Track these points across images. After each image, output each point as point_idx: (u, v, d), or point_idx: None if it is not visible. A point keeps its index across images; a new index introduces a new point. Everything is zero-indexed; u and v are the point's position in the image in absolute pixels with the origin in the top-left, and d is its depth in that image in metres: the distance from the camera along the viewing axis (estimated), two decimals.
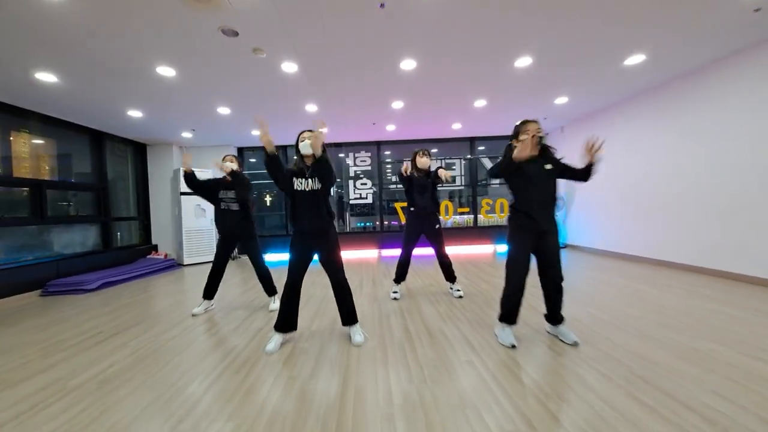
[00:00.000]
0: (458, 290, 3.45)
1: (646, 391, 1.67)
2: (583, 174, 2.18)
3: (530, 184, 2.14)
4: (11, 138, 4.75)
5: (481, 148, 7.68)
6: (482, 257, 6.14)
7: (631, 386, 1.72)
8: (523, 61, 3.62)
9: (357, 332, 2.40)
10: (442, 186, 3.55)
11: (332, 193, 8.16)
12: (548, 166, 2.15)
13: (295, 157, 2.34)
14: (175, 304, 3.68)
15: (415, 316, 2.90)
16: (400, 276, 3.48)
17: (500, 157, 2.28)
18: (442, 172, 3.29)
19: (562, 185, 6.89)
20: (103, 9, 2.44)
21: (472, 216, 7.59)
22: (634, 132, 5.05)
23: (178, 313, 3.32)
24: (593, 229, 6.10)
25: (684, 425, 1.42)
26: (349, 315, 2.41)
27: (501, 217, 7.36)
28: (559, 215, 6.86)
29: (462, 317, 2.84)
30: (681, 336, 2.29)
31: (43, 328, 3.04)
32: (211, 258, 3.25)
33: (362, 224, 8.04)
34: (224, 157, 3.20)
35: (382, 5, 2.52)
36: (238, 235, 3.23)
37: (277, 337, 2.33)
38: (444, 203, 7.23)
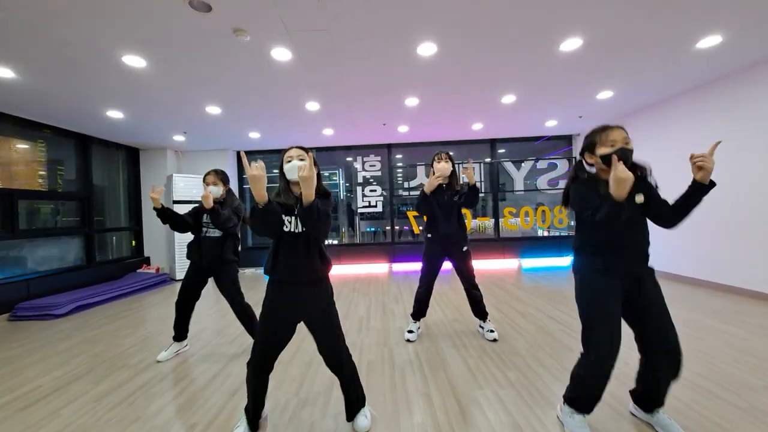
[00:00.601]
0: (491, 331, 2.73)
1: None
2: (676, 213, 1.45)
3: (614, 224, 1.39)
4: None
5: (502, 150, 6.94)
6: (507, 274, 5.39)
7: None
8: (572, 44, 2.90)
9: (362, 414, 1.70)
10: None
11: (342, 199, 7.59)
12: (640, 199, 1.38)
13: (279, 183, 1.58)
14: (144, 338, 3.08)
15: (439, 374, 2.21)
16: (419, 313, 2.80)
17: (567, 181, 1.62)
18: (468, 174, 2.64)
19: None
20: None
21: (492, 222, 6.84)
22: (690, 132, 4.24)
23: (144, 353, 2.71)
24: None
25: None
26: (358, 403, 1.70)
27: (525, 227, 6.59)
28: None
29: (501, 377, 2.13)
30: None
31: None
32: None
33: (372, 229, 7.38)
34: (204, 177, 2.53)
35: None
36: (211, 265, 2.55)
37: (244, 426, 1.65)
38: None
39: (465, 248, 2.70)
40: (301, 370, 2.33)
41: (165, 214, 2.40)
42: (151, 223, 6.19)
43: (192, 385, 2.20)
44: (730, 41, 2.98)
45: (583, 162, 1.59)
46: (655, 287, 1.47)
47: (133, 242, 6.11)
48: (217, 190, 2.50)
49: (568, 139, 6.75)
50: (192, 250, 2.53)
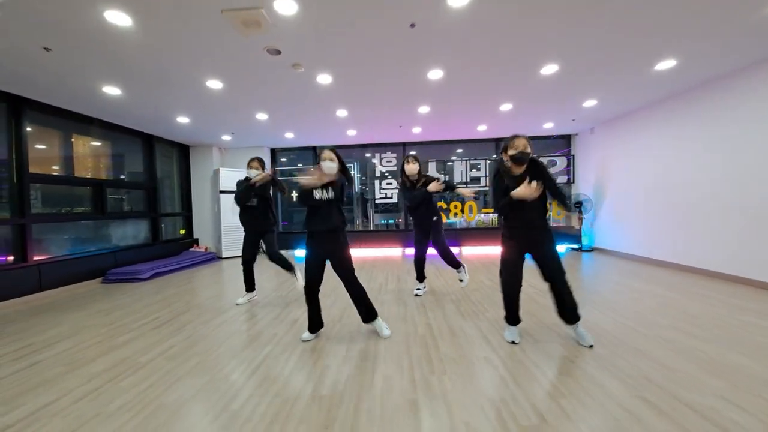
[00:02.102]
0: (461, 280, 3.68)
1: (662, 397, 1.75)
2: (559, 201, 2.32)
3: (518, 208, 2.26)
4: (72, 140, 5.35)
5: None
6: None
7: (648, 392, 1.81)
8: (549, 69, 3.68)
9: (382, 327, 2.62)
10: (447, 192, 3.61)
11: (357, 191, 8.53)
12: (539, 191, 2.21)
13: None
14: (218, 294, 4.07)
15: (437, 313, 3.09)
16: (420, 273, 3.69)
17: (492, 176, 2.44)
18: (433, 186, 3.34)
19: (590, 185, 6.79)
20: (164, 32, 2.77)
21: (497, 216, 7.62)
22: (668, 134, 4.93)
23: (222, 302, 3.68)
24: (622, 233, 5.99)
25: (692, 429, 1.53)
26: (368, 312, 2.62)
27: None
28: (585, 217, 6.78)
29: (482, 315, 2.99)
30: (707, 346, 2.33)
31: (107, 312, 3.48)
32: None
33: (385, 221, 8.27)
34: (249, 164, 3.52)
35: (412, 25, 2.69)
36: (259, 231, 3.55)
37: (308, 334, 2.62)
38: (468, 204, 7.33)
39: (435, 218, 3.51)
40: (340, 309, 3.25)
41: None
42: (199, 209, 7.25)
43: (267, 316, 3.16)
44: (683, 63, 3.68)
45: (503, 160, 2.35)
46: (548, 243, 2.34)
47: (182, 231, 7.19)
48: (256, 173, 3.46)
49: (567, 139, 7.44)
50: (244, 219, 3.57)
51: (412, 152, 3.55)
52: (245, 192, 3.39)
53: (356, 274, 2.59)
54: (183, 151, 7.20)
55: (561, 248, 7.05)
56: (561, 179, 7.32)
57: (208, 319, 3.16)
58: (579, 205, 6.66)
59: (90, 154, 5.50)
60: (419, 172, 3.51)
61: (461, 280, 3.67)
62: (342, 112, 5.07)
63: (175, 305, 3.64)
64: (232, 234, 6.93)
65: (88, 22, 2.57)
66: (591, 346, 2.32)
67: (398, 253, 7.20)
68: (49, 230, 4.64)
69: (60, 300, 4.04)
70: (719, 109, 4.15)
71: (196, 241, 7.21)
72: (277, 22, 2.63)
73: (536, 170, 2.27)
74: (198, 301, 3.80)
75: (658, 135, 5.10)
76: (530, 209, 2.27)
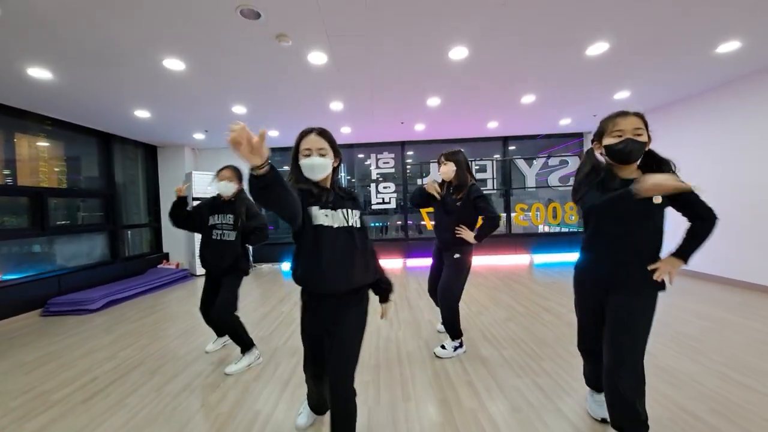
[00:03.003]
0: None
1: None
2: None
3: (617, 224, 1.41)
4: (15, 140, 4.37)
5: (512, 147, 7.02)
6: (520, 269, 5.52)
7: None
8: (598, 48, 2.99)
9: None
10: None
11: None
12: (657, 199, 1.32)
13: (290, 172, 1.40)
14: (186, 330, 3.20)
15: (477, 365, 2.34)
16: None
17: (577, 167, 1.57)
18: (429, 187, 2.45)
19: None
20: None
21: (504, 219, 6.96)
22: (701, 132, 4.35)
23: (190, 346, 2.83)
24: None
25: None
26: None
27: (536, 223, 6.70)
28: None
29: (536, 367, 2.26)
30: None
31: (29, 368, 2.57)
32: None
33: (376, 224, 7.48)
34: (219, 172, 2.43)
35: None
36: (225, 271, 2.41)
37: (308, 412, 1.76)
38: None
39: (456, 256, 2.45)
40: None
41: (180, 206, 2.38)
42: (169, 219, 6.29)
43: (246, 374, 2.32)
44: (748, 46, 3.07)
45: (593, 151, 1.52)
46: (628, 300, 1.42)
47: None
48: (231, 187, 2.39)
49: (578, 135, 6.85)
50: (206, 254, 2.44)
51: (451, 149, 2.55)
52: (173, 209, 2.39)
53: None
54: (150, 153, 6.23)
55: (576, 256, 6.44)
56: (572, 180, 6.71)
57: (165, 380, 2.30)
58: None
59: (35, 157, 4.52)
60: (457, 175, 2.42)
61: (443, 348, 2.47)
62: (336, 105, 4.27)
63: (125, 353, 2.75)
64: None
65: None
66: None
67: (399, 264, 6.43)
68: None
69: None
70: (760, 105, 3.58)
71: (166, 257, 6.24)
72: None
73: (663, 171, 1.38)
74: (158, 344, 2.92)
75: (687, 131, 4.52)
76: (635, 232, 1.40)
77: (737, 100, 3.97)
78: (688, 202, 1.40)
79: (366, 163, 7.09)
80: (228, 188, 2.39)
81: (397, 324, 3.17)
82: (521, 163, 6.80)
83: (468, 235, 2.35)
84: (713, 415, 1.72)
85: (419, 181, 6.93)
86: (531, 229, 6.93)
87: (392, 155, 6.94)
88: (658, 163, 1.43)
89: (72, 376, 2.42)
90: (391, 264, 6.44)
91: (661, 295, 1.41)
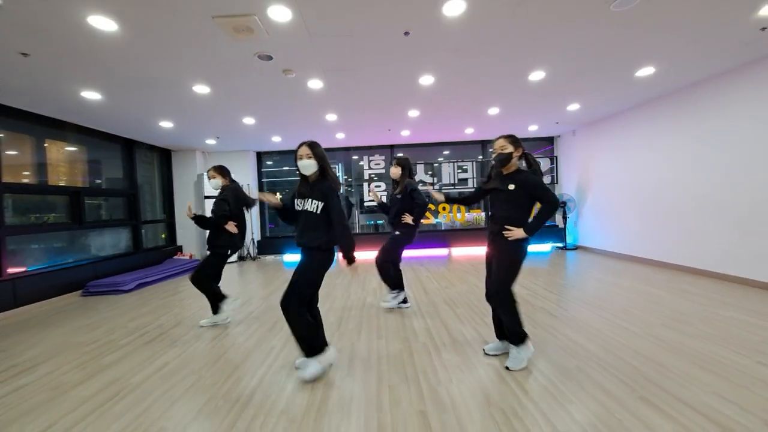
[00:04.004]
0: (386, 301, 3.44)
1: (661, 396, 1.82)
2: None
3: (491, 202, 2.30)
4: (46, 145, 5.08)
5: (491, 150, 7.75)
6: None
7: (646, 391, 1.88)
8: (537, 75, 3.76)
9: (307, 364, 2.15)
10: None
11: (341, 192, 8.45)
12: (511, 187, 2.13)
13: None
14: (208, 305, 3.95)
15: (435, 319, 3.10)
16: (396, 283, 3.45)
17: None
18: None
19: (573, 185, 6.98)
20: (151, 37, 2.66)
21: (484, 215, 7.74)
22: (648, 136, 5.13)
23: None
24: (605, 231, 6.20)
25: (691, 426, 1.59)
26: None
27: None
28: (570, 217, 6.97)
29: (480, 320, 3.03)
30: (697, 343, 2.44)
31: (91, 328, 3.32)
32: (234, 258, 3.33)
33: (371, 221, 8.25)
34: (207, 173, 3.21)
35: (406, 33, 2.70)
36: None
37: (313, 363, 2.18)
38: (455, 205, 7.41)
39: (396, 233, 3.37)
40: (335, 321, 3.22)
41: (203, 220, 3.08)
42: (182, 215, 7.02)
43: (262, 327, 3.08)
44: (663, 71, 3.84)
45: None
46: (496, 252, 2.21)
47: (163, 235, 6.94)
48: (216, 183, 3.13)
49: (550, 140, 7.63)
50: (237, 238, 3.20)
51: (399, 154, 3.44)
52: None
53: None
54: (164, 156, 6.96)
55: (547, 247, 7.23)
56: (546, 180, 7.51)
57: (200, 333, 3.06)
58: (563, 205, 6.85)
59: (65, 161, 5.24)
60: (402, 176, 3.34)
61: (386, 301, 3.41)
62: (331, 116, 5.03)
63: (163, 318, 3.51)
64: None
65: (71, 28, 2.44)
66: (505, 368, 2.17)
67: None
68: (22, 241, 4.39)
69: (38, 316, 3.83)
70: (699, 111, 4.35)
71: (180, 249, 6.98)
72: (269, 29, 2.58)
73: (515, 175, 2.17)
74: (187, 313, 3.68)
75: (638, 136, 5.30)
76: (498, 207, 2.23)
77: (651, 117, 4.76)
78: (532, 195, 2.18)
79: (360, 163, 7.85)
80: (216, 183, 3.17)
81: (373, 294, 3.94)
82: None
83: (408, 218, 3.26)
84: (593, 345, 2.49)
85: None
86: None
87: (383, 157, 7.70)
88: (530, 164, 2.22)
89: (128, 332, 3.17)
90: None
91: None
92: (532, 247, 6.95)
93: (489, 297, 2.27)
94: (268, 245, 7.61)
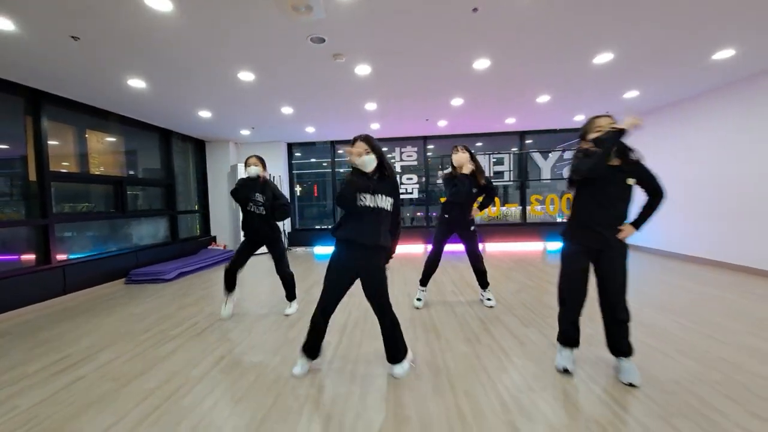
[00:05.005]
0: (489, 299, 3.26)
1: (765, 408, 1.62)
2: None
3: (599, 199, 1.89)
4: (86, 136, 5.13)
5: (529, 141, 7.43)
6: (533, 255, 6.03)
7: (747, 402, 1.66)
8: (603, 57, 3.46)
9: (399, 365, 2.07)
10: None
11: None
12: (631, 181, 1.86)
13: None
14: (251, 295, 3.91)
15: (493, 320, 2.92)
16: (425, 276, 3.30)
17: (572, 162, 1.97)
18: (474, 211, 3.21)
19: None
20: (204, 18, 2.56)
21: (520, 210, 7.44)
22: (703, 128, 4.72)
23: (259, 306, 3.52)
24: (648, 228, 5.79)
25: None
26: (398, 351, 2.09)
27: (551, 213, 7.17)
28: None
29: (543, 323, 2.83)
30: None
31: (141, 317, 3.31)
32: (266, 250, 3.27)
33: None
34: (248, 160, 3.14)
35: (475, 10, 2.48)
36: (262, 239, 3.17)
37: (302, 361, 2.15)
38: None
39: (472, 228, 3.19)
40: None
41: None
42: (216, 206, 7.07)
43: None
44: (742, 54, 3.46)
45: (581, 149, 1.94)
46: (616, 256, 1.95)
47: (197, 226, 7.01)
48: (256, 170, 3.09)
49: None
50: (245, 225, 3.16)
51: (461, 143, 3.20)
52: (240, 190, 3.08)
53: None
54: (199, 147, 6.99)
55: None
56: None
57: (249, 324, 3.00)
58: None
59: (104, 150, 5.30)
60: (476, 165, 3.07)
61: (489, 299, 3.24)
62: (371, 105, 4.85)
63: (209, 309, 3.48)
64: None
65: (124, 6, 2.36)
66: (630, 385, 1.88)
67: (420, 249, 7.03)
68: (66, 229, 4.46)
69: (86, 303, 3.89)
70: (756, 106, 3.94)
71: (214, 239, 7.04)
72: (329, 6, 2.42)
73: (630, 163, 1.90)
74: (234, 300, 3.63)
75: (692, 128, 4.90)
76: (613, 207, 1.90)
77: (709, 108, 4.34)
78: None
79: (390, 155, 7.66)
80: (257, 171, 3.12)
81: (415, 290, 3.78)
82: (537, 156, 7.23)
83: (479, 212, 3.27)
84: (678, 354, 2.26)
85: (440, 173, 7.47)
86: (546, 219, 7.39)
87: (415, 149, 7.49)
88: (627, 149, 1.90)
89: (177, 321, 3.15)
90: (413, 249, 7.05)
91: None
92: (557, 245, 6.63)
93: (614, 309, 1.93)
94: (299, 237, 7.58)
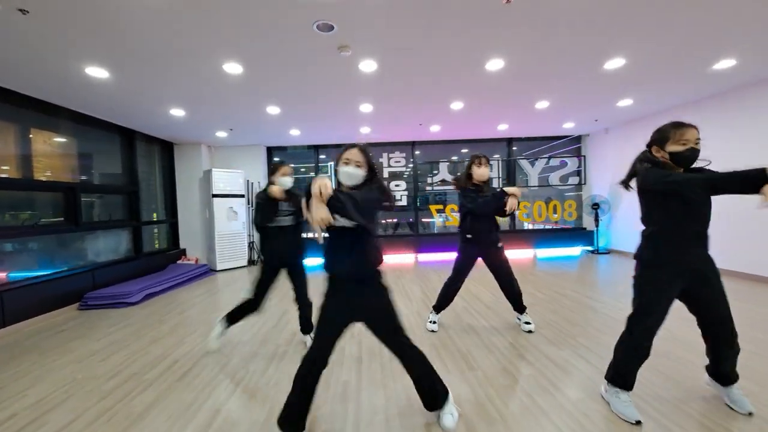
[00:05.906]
0: (527, 323, 2.89)
1: None
2: None
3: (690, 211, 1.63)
4: (31, 136, 4.37)
5: (515, 148, 7.42)
6: (525, 263, 5.93)
7: None
8: (615, 63, 3.36)
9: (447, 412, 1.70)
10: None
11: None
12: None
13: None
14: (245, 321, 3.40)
15: (523, 342, 2.66)
16: (445, 303, 3.00)
17: (634, 163, 1.78)
18: (512, 202, 2.64)
19: (605, 186, 6.67)
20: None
21: (509, 217, 7.37)
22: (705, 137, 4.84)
23: (250, 332, 3.04)
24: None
25: None
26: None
27: (538, 220, 7.16)
28: (602, 219, 6.68)
29: (575, 343, 2.61)
30: None
31: (104, 355, 2.73)
32: (244, 263, 2.70)
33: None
34: (279, 169, 2.51)
35: (508, 1, 2.23)
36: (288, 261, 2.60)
37: None
38: (537, 203, 7.03)
39: (500, 244, 2.90)
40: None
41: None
42: (186, 215, 6.37)
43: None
44: (742, 63, 3.51)
45: (652, 158, 1.70)
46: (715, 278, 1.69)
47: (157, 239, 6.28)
48: (290, 181, 2.52)
49: (577, 139, 7.32)
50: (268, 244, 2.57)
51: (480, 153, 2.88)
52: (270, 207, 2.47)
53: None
54: (166, 150, 6.28)
55: (576, 250, 6.93)
56: (573, 180, 7.20)
57: (245, 363, 2.52)
58: (596, 206, 6.55)
59: (52, 153, 4.54)
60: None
61: (528, 323, 2.87)
62: (366, 107, 4.51)
63: (191, 339, 2.95)
64: (228, 243, 6.13)
65: None
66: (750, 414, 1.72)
67: (410, 259, 6.73)
68: (5, 245, 3.71)
69: (31, 338, 3.18)
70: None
71: (183, 252, 6.33)
72: None
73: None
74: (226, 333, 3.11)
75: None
76: (703, 219, 1.66)
77: (698, 116, 4.47)
78: None
79: (379, 160, 7.34)
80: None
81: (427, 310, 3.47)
82: (524, 163, 7.22)
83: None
84: None
85: (429, 179, 7.25)
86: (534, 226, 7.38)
87: (403, 154, 7.22)
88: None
89: (152, 360, 2.60)
90: (403, 259, 6.74)
91: None
92: (560, 251, 6.60)
93: (730, 334, 1.71)
94: None
